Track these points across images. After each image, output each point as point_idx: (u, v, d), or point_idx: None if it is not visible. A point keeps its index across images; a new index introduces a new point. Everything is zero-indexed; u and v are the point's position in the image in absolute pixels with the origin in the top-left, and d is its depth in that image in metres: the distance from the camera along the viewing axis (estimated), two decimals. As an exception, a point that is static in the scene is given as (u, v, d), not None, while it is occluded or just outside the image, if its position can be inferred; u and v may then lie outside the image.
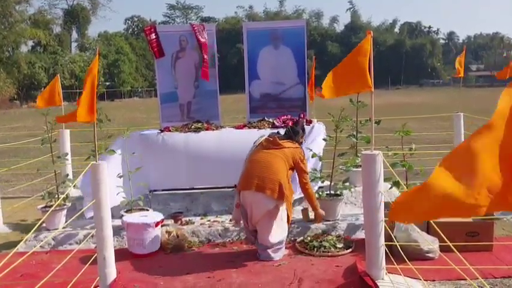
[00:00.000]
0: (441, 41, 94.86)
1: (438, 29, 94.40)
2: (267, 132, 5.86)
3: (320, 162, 5.71)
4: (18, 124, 23.45)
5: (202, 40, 6.30)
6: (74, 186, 5.70)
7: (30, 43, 54.71)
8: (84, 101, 3.62)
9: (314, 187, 5.50)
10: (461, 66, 7.72)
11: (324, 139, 5.74)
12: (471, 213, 1.76)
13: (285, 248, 4.68)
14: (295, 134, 4.90)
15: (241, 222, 4.70)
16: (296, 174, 4.82)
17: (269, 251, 4.51)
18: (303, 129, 5.09)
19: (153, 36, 6.34)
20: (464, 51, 7.96)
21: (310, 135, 5.94)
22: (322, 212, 4.99)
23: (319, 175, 5.45)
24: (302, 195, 5.51)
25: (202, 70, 6.30)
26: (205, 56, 6.29)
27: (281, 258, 4.54)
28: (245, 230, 4.79)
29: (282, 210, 4.55)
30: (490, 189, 1.72)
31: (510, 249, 4.45)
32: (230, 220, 5.18)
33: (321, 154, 5.75)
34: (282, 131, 5.04)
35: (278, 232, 4.54)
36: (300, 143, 4.99)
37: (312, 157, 5.50)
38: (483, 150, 1.72)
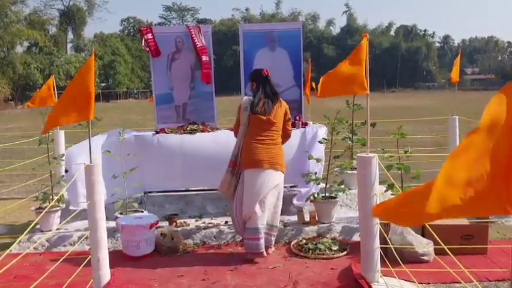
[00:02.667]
0: (437, 44, 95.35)
1: (433, 32, 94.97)
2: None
3: (319, 165, 5.69)
4: (12, 125, 23.37)
5: (200, 44, 6.29)
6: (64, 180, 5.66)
7: (26, 43, 54.55)
8: (77, 102, 3.62)
9: (312, 190, 5.52)
10: (456, 71, 7.75)
11: (319, 141, 5.74)
12: (456, 214, 1.76)
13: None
14: (274, 94, 4.84)
15: (226, 192, 4.77)
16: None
17: (267, 237, 4.67)
18: (269, 79, 4.92)
19: (150, 35, 6.32)
20: (459, 55, 8.00)
21: (310, 138, 5.92)
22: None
23: (315, 177, 5.44)
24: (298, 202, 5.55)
25: (204, 73, 6.27)
26: (205, 58, 6.27)
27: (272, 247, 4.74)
28: (233, 221, 4.83)
29: (281, 193, 4.79)
30: (478, 191, 1.71)
31: (505, 252, 4.46)
32: (219, 189, 4.98)
33: (323, 157, 5.74)
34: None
35: (273, 216, 4.74)
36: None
37: (318, 162, 5.53)
38: (473, 154, 1.71)
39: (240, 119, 4.80)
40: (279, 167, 4.66)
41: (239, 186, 4.70)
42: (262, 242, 4.55)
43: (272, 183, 4.62)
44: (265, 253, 4.59)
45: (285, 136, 4.91)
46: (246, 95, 6.41)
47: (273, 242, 4.79)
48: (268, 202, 4.63)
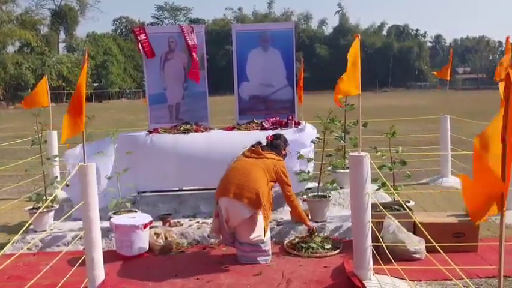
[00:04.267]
0: (429, 44, 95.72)
1: (425, 32, 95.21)
2: (255, 133, 5.90)
3: (310, 164, 5.73)
4: (4, 125, 23.24)
5: (191, 43, 6.30)
6: (61, 188, 5.67)
7: (17, 43, 54.23)
8: (73, 113, 3.65)
9: (303, 187, 5.54)
10: (446, 70, 7.83)
11: (312, 141, 5.77)
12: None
13: (270, 254, 4.60)
14: (275, 146, 4.93)
15: (220, 233, 4.66)
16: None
17: (254, 253, 4.48)
18: (285, 142, 5.11)
19: (143, 36, 6.33)
20: (451, 55, 8.07)
21: (300, 138, 5.95)
22: (312, 225, 5.01)
23: (308, 176, 5.48)
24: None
25: (192, 72, 6.30)
26: (195, 57, 6.29)
27: (268, 262, 4.52)
28: (222, 234, 4.67)
29: (259, 217, 4.47)
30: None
31: (495, 250, 4.51)
32: (209, 233, 5.04)
33: (312, 156, 5.77)
34: (264, 142, 5.03)
35: (258, 230, 4.46)
36: (284, 155, 5.01)
37: (299, 158, 5.52)
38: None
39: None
40: (246, 200, 4.37)
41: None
42: (251, 254, 4.49)
43: (239, 214, 4.41)
44: (263, 262, 4.50)
45: (287, 203, 4.95)
46: (238, 94, 6.45)
47: (269, 257, 4.54)
48: (244, 226, 4.45)
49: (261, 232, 4.48)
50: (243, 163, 4.66)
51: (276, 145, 4.94)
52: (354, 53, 3.93)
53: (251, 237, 4.43)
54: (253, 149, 4.80)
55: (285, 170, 4.80)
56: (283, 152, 5.03)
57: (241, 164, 4.66)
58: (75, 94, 3.75)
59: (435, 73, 7.95)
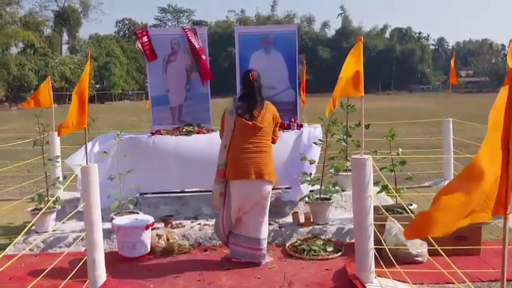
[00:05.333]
0: (431, 47, 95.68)
1: (428, 35, 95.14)
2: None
3: (313, 167, 5.72)
4: (6, 126, 23.27)
5: (197, 46, 6.31)
6: (63, 188, 5.69)
7: (21, 45, 54.34)
8: (75, 109, 3.64)
9: (307, 190, 5.54)
10: (453, 74, 7.83)
11: (314, 143, 5.76)
12: (479, 218, 2.17)
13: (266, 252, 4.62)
14: (262, 98, 4.64)
15: (218, 225, 4.65)
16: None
17: (258, 252, 4.49)
18: (258, 84, 4.71)
19: (145, 39, 6.33)
20: (453, 58, 8.06)
21: (306, 140, 5.93)
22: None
23: (310, 179, 5.47)
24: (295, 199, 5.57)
25: (204, 72, 6.27)
26: (204, 59, 6.31)
27: (267, 262, 4.54)
28: (218, 228, 4.69)
29: (267, 209, 4.59)
30: (489, 197, 2.08)
31: (497, 253, 4.49)
32: (212, 208, 4.92)
33: (317, 158, 5.76)
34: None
35: (266, 227, 4.58)
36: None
37: (311, 163, 5.53)
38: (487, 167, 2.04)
39: (224, 123, 4.65)
40: (267, 176, 4.47)
41: (226, 197, 4.57)
42: (244, 250, 4.52)
43: (259, 194, 4.48)
44: (262, 261, 4.53)
45: (272, 141, 4.76)
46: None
47: (265, 256, 4.57)
48: (254, 213, 4.51)
49: (266, 229, 4.58)
50: (251, 138, 4.48)
51: (261, 96, 4.62)
52: (356, 56, 3.93)
53: (263, 235, 4.52)
54: (250, 123, 4.48)
55: (277, 114, 4.71)
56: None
57: (249, 139, 4.48)
58: (78, 88, 3.74)
59: (451, 78, 7.94)
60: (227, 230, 4.62)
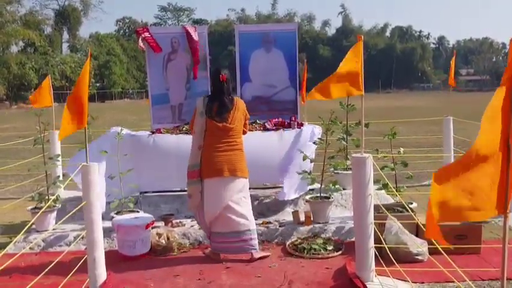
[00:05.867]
0: (432, 46, 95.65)
1: (428, 34, 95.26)
2: (257, 134, 5.89)
3: (311, 164, 5.73)
4: (7, 125, 23.29)
5: (196, 39, 6.30)
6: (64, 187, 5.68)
7: (21, 43, 54.35)
8: (68, 113, 3.65)
9: (305, 188, 5.55)
10: (451, 77, 7.85)
11: (314, 142, 5.76)
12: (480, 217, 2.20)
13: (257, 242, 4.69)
14: (231, 99, 4.71)
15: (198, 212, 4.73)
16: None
17: (242, 244, 4.58)
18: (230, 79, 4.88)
19: (147, 34, 6.32)
20: (454, 58, 8.06)
21: (307, 139, 5.93)
22: None
23: (309, 176, 5.47)
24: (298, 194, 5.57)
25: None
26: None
27: (257, 250, 4.62)
28: (201, 223, 4.79)
29: (248, 200, 4.73)
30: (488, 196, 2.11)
31: (498, 252, 4.49)
32: (189, 209, 5.03)
33: (313, 156, 5.77)
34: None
35: (251, 219, 4.67)
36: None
37: (304, 159, 5.52)
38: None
39: (195, 124, 4.72)
40: (240, 172, 4.59)
41: (201, 194, 4.64)
42: (226, 245, 4.59)
43: (233, 190, 4.58)
44: (251, 256, 4.58)
45: (242, 133, 4.84)
46: (241, 95, 6.44)
47: (255, 246, 4.62)
48: (231, 209, 4.57)
49: (252, 221, 4.65)
50: (222, 134, 4.58)
51: (230, 97, 4.71)
52: (356, 54, 3.92)
53: (252, 226, 4.61)
54: (220, 125, 4.57)
55: (246, 110, 4.82)
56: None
57: (221, 136, 4.58)
58: (75, 89, 3.74)
59: (450, 79, 7.97)
60: (207, 226, 4.72)
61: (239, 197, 4.63)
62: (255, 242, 4.63)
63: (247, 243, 4.59)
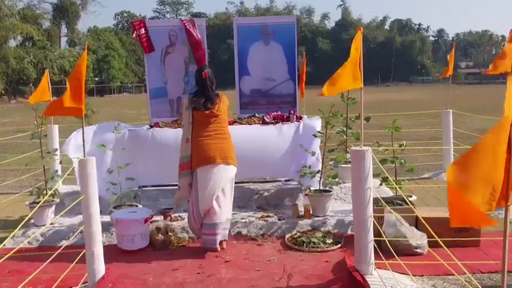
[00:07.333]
0: (431, 38, 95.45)
1: (428, 26, 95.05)
2: (256, 128, 5.88)
3: (314, 159, 5.70)
4: (6, 119, 23.25)
5: (197, 37, 6.26)
6: (62, 181, 5.67)
7: (19, 38, 54.14)
8: (70, 87, 3.61)
9: (311, 182, 5.57)
10: (450, 66, 7.79)
11: (314, 135, 5.74)
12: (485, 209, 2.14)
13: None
14: (216, 94, 4.77)
15: (190, 219, 4.76)
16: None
17: (224, 232, 4.70)
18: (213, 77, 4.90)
19: (142, 31, 6.28)
20: (453, 49, 8.02)
21: (306, 132, 5.91)
22: None
23: (309, 171, 5.45)
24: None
25: (203, 62, 6.23)
26: (204, 48, 6.30)
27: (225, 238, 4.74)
28: (190, 222, 4.79)
29: (232, 191, 4.82)
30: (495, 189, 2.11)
31: (497, 244, 4.49)
32: (176, 203, 5.15)
33: (318, 151, 5.74)
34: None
35: (228, 210, 4.76)
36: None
37: (312, 155, 5.55)
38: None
39: (182, 116, 4.83)
40: (231, 160, 4.68)
41: (193, 185, 4.69)
42: (218, 237, 4.63)
43: (225, 177, 4.64)
44: (219, 248, 4.64)
45: None
46: (240, 89, 6.42)
47: (227, 236, 4.81)
48: (223, 197, 4.67)
49: (230, 207, 4.79)
50: (211, 127, 4.67)
51: (214, 93, 4.76)
52: (355, 46, 3.89)
53: (224, 218, 4.68)
54: (207, 113, 4.66)
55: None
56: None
57: (210, 129, 4.66)
58: (73, 75, 3.71)
59: (438, 76, 7.95)
60: (199, 223, 4.70)
61: (229, 187, 4.73)
62: (227, 231, 4.79)
63: (225, 231, 4.75)
